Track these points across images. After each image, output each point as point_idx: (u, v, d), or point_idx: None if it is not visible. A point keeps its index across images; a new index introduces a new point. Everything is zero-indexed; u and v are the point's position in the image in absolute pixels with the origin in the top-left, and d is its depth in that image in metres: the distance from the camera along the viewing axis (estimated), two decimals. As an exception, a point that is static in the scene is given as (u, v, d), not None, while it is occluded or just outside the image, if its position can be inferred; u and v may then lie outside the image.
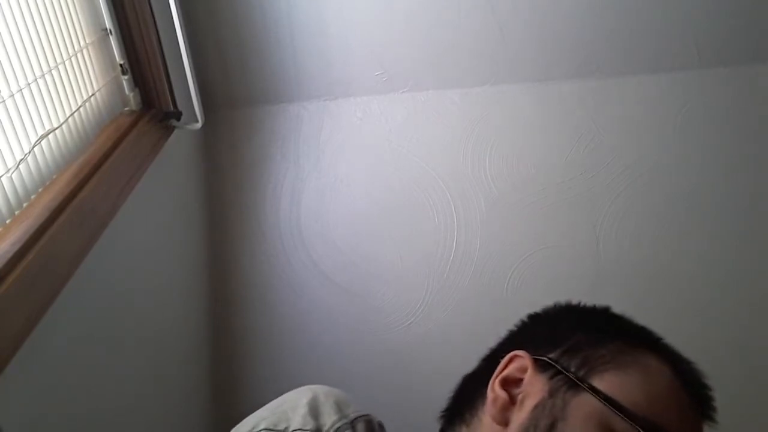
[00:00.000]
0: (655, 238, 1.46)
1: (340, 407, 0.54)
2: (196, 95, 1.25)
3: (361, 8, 1.39)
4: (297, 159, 1.50)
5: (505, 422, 0.52)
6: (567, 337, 0.56)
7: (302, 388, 0.57)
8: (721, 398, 0.55)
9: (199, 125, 1.27)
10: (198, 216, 1.46)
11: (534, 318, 0.62)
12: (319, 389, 0.57)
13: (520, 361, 0.55)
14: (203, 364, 1.44)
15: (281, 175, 1.51)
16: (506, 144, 1.48)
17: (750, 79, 1.45)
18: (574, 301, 0.62)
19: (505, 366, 0.55)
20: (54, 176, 0.88)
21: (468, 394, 0.59)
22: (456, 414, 0.60)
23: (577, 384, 0.51)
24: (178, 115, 1.22)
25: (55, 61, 0.91)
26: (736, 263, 1.46)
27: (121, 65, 1.11)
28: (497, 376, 0.55)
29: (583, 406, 0.49)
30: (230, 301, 1.51)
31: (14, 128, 0.80)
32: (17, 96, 0.81)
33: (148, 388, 1.12)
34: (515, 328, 0.63)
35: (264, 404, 0.59)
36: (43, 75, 0.87)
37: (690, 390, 0.53)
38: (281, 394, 0.60)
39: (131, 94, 1.14)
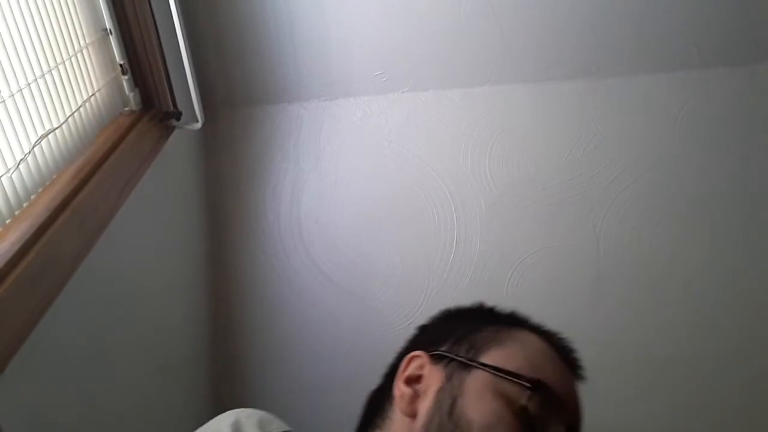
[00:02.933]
0: (655, 238, 1.46)
1: (262, 425, 0.58)
2: (196, 95, 1.25)
3: (361, 9, 1.39)
4: (297, 159, 1.50)
5: (413, 413, 0.57)
6: (452, 331, 0.64)
7: (226, 413, 0.61)
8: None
9: (199, 125, 1.27)
10: (198, 216, 1.46)
11: (422, 327, 0.71)
12: (241, 412, 0.60)
13: (418, 360, 0.62)
14: (203, 364, 1.44)
15: (281, 175, 1.51)
16: (506, 144, 1.48)
17: (750, 79, 1.45)
18: (452, 307, 0.71)
19: (406, 367, 0.62)
20: (54, 176, 0.88)
21: (376, 404, 0.65)
22: (367, 425, 0.64)
23: (468, 364, 0.58)
24: (178, 115, 1.22)
25: (55, 61, 0.91)
26: (735, 263, 1.46)
27: (121, 65, 1.11)
28: (401, 376, 0.61)
29: (476, 380, 0.56)
30: (230, 301, 1.51)
31: (14, 128, 0.80)
32: (17, 96, 0.81)
33: (148, 388, 1.12)
34: (406, 342, 0.70)
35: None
36: (43, 75, 0.87)
37: (561, 354, 0.62)
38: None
39: (131, 94, 1.14)
